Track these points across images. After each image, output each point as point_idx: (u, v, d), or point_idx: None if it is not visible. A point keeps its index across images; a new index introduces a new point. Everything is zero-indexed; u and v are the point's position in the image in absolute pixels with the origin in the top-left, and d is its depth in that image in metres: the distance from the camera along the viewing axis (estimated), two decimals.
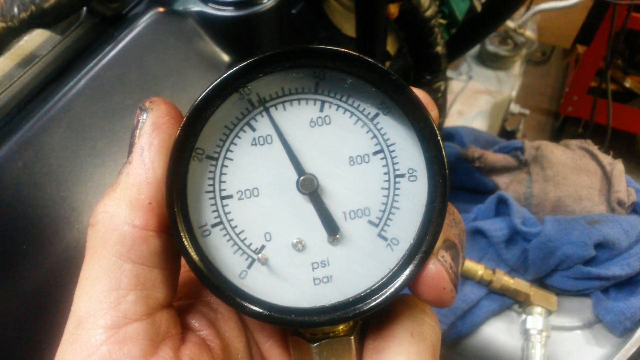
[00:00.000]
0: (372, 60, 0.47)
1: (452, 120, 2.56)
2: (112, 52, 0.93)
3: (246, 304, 0.48)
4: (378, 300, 0.49)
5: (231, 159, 0.48)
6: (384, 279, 0.50)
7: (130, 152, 0.46)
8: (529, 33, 2.67)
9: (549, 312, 1.36)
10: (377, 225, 0.50)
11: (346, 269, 0.50)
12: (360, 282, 0.50)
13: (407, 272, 0.49)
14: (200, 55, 1.03)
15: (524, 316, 1.36)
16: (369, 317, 0.52)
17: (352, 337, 0.51)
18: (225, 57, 1.07)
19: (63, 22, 1.00)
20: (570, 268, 1.34)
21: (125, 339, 0.43)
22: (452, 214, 0.53)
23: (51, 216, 0.83)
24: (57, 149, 0.84)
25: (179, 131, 0.45)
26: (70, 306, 0.46)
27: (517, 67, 2.89)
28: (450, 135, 1.69)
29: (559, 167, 1.46)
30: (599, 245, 1.33)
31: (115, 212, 0.45)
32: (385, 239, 0.50)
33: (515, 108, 3.10)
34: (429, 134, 0.48)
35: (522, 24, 2.63)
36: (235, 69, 0.46)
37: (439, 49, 1.20)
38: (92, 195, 0.86)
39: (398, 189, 0.50)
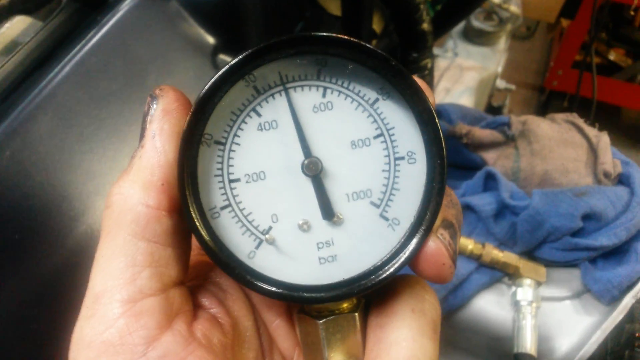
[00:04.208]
0: (372, 47, 0.48)
1: (439, 98, 2.56)
2: (96, 37, 0.92)
3: (256, 282, 0.50)
4: (381, 277, 0.51)
5: (238, 144, 0.50)
6: (386, 257, 0.52)
7: (142, 137, 0.48)
8: (514, 8, 2.66)
9: (539, 284, 1.39)
10: (378, 206, 0.52)
11: (350, 249, 0.52)
12: (364, 260, 0.52)
13: (408, 250, 0.51)
14: (185, 38, 1.03)
15: (513, 288, 1.39)
16: (373, 294, 0.54)
17: (356, 314, 0.54)
18: (210, 40, 1.06)
19: (44, 8, 0.99)
20: (559, 240, 1.36)
21: (142, 312, 0.45)
22: (449, 195, 0.56)
23: (41, 205, 0.83)
24: (45, 137, 0.84)
25: (189, 117, 0.47)
26: (72, 294, 0.47)
27: (502, 43, 2.89)
28: (438, 113, 1.69)
29: (546, 141, 1.48)
30: (586, 217, 1.35)
31: (130, 194, 0.47)
32: (386, 219, 0.52)
33: (501, 84, 3.11)
34: (427, 118, 0.50)
35: None
36: (242, 56, 0.47)
37: (425, 26, 1.20)
38: (82, 183, 0.86)
39: (398, 171, 0.52)
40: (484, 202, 1.42)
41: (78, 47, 0.91)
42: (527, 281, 1.38)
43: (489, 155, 1.56)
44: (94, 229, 0.86)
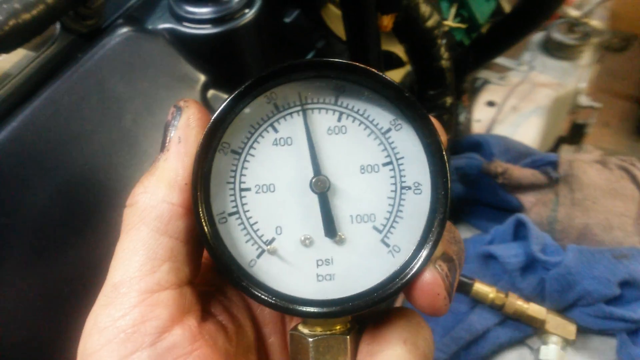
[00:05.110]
0: (387, 78, 0.51)
1: (504, 117, 2.37)
2: (73, 76, 0.91)
3: (252, 289, 0.52)
4: (376, 300, 0.53)
5: (253, 155, 0.53)
6: (383, 282, 0.53)
7: (165, 142, 0.52)
8: (595, 22, 2.39)
9: (567, 342, 1.23)
10: (380, 232, 0.54)
11: (348, 269, 0.54)
12: (361, 282, 0.53)
13: (405, 276, 0.52)
14: (171, 75, 0.99)
15: (538, 344, 1.24)
16: (367, 321, 0.56)
17: (348, 337, 0.54)
18: (202, 77, 1.02)
19: (38, 39, 1.00)
20: (591, 305, 1.20)
21: (158, 303, 0.47)
22: (453, 232, 0.57)
23: (6, 251, 0.83)
24: (11, 183, 0.84)
25: (210, 123, 0.50)
26: None
27: (585, 58, 2.62)
28: (478, 145, 1.55)
29: (590, 190, 1.30)
30: (626, 283, 1.18)
31: (155, 192, 0.49)
32: (387, 245, 0.54)
33: (584, 101, 2.82)
34: (435, 149, 0.52)
35: (587, 12, 2.36)
36: (265, 73, 0.50)
37: (444, 62, 1.09)
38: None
39: (403, 199, 0.54)
40: (511, 253, 1.28)
41: (54, 85, 0.90)
42: (554, 339, 1.23)
43: (527, 199, 1.41)
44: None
